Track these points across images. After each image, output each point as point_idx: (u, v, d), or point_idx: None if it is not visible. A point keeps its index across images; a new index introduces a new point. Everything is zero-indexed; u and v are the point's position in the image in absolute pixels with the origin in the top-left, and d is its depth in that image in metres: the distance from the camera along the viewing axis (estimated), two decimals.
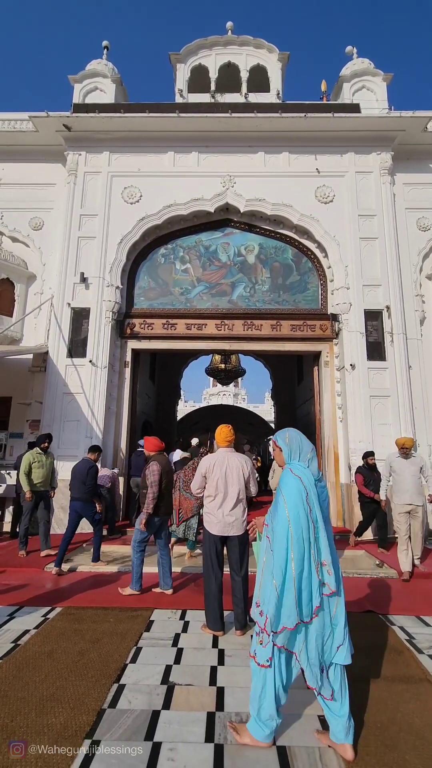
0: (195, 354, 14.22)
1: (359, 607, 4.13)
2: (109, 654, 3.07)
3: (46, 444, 6.03)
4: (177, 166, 8.93)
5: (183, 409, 26.74)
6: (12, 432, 8.47)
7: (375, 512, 6.36)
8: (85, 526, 6.49)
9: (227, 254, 9.02)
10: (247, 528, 3.20)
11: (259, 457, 16.21)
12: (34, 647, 3.17)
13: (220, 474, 3.57)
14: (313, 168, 8.83)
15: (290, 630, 2.06)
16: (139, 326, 8.66)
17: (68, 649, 3.13)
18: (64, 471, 6.76)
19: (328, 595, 2.10)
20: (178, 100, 10.00)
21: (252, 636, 2.23)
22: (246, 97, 9.94)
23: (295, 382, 14.90)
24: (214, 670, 2.88)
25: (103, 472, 6.99)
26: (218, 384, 26.09)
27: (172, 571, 4.65)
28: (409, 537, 5.13)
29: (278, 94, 10.02)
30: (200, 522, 5.20)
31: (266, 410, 32.95)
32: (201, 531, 4.33)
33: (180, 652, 3.15)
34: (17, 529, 7.22)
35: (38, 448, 5.97)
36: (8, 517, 7.85)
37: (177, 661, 3.02)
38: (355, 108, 9.05)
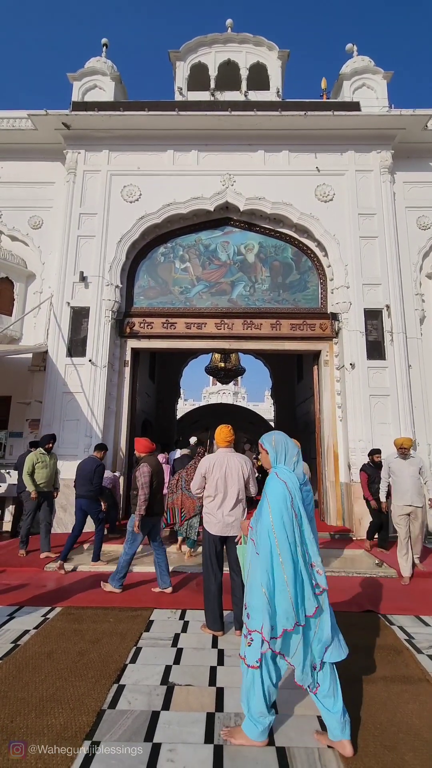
0: (195, 353, 14.21)
1: (358, 606, 4.14)
2: (108, 654, 3.08)
3: (51, 444, 6.03)
4: (176, 165, 8.90)
5: (183, 407, 26.73)
6: (12, 431, 8.47)
7: (381, 513, 6.26)
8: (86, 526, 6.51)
9: (227, 253, 9.00)
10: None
11: (259, 457, 16.22)
12: (34, 647, 3.17)
13: (219, 474, 3.58)
14: (313, 166, 8.81)
15: (290, 631, 2.08)
16: (138, 325, 8.65)
17: (68, 650, 3.14)
18: (64, 470, 6.75)
19: (319, 593, 2.14)
20: (178, 98, 9.96)
21: (242, 637, 2.25)
22: (246, 95, 9.90)
23: (294, 381, 14.90)
24: (213, 671, 2.89)
25: (106, 474, 7.00)
26: (218, 383, 26.08)
27: (174, 570, 4.65)
28: (410, 538, 5.07)
29: (278, 92, 9.98)
30: (201, 521, 5.21)
31: (266, 408, 32.95)
32: (201, 530, 4.34)
33: (180, 652, 3.16)
34: (18, 528, 7.25)
35: (42, 449, 5.97)
36: (8, 516, 7.86)
37: (177, 661, 3.02)
38: (355, 106, 9.02)
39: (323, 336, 8.58)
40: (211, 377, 23.19)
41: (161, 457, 7.21)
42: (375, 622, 3.78)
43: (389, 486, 5.33)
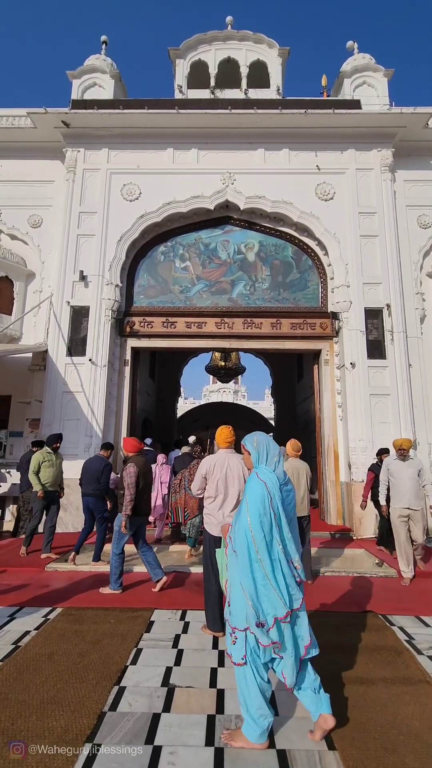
0: (195, 352, 14.20)
1: (358, 607, 4.15)
2: (109, 656, 3.08)
3: (58, 444, 6.06)
4: (176, 163, 8.87)
5: (183, 406, 26.75)
6: (12, 431, 8.47)
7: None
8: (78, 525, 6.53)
9: (227, 252, 8.98)
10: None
11: None
12: (35, 649, 3.18)
13: (220, 475, 3.57)
14: (314, 165, 8.78)
15: (281, 620, 2.12)
16: (138, 324, 8.64)
17: (69, 651, 3.14)
18: (65, 470, 6.72)
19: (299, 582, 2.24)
20: (178, 96, 9.93)
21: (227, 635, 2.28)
22: (246, 93, 9.86)
23: (295, 380, 14.91)
24: (214, 672, 2.89)
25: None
26: (218, 381, 26.08)
27: (175, 570, 4.65)
28: (411, 541, 5.01)
29: (278, 89, 9.95)
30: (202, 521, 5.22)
31: (266, 407, 32.97)
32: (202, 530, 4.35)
33: (180, 653, 3.16)
34: (20, 527, 7.25)
35: (48, 448, 5.97)
36: (8, 516, 7.86)
37: (177, 662, 3.02)
38: (355, 104, 8.99)
39: (323, 335, 8.57)
40: (211, 376, 23.19)
41: (161, 458, 7.18)
42: (375, 623, 3.78)
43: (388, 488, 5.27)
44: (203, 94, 9.91)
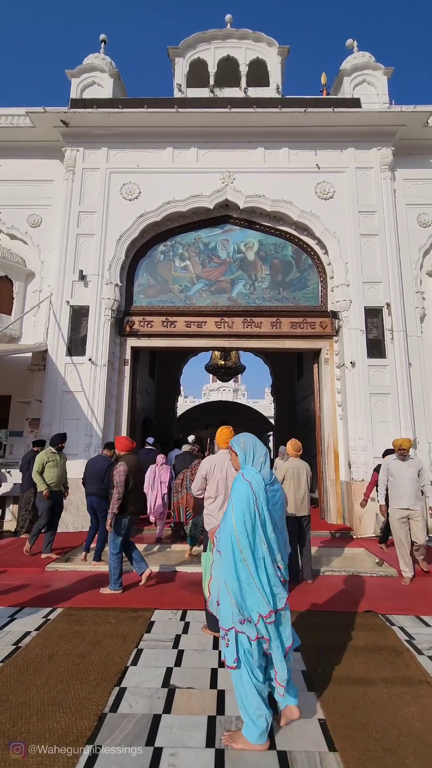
0: (195, 351, 14.19)
1: (358, 606, 4.14)
2: (110, 656, 3.08)
3: (63, 444, 6.09)
4: (176, 162, 8.85)
5: (183, 405, 26.71)
6: (12, 430, 8.46)
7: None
8: (85, 524, 6.55)
9: (227, 251, 8.97)
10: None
11: None
12: (35, 650, 3.18)
13: (220, 476, 3.57)
14: (313, 164, 8.76)
15: (265, 618, 2.14)
16: (138, 324, 8.63)
17: (69, 652, 3.14)
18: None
19: (283, 581, 2.25)
20: (177, 94, 9.90)
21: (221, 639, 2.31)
22: (245, 92, 9.84)
23: (295, 378, 14.90)
24: (214, 673, 2.89)
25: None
26: (218, 380, 26.09)
27: (175, 570, 4.65)
28: (412, 542, 4.97)
29: (278, 88, 9.92)
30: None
31: (266, 406, 32.97)
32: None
33: (181, 654, 3.16)
34: (18, 526, 7.26)
35: (52, 448, 5.97)
36: (9, 516, 7.87)
37: (178, 663, 3.03)
38: (355, 103, 8.97)
39: (323, 334, 8.56)
40: (211, 375, 23.18)
41: (160, 458, 7.19)
42: (375, 623, 3.78)
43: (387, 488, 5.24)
44: (203, 92, 9.89)
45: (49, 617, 3.82)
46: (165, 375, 15.55)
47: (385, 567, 5.47)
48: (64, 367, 8.04)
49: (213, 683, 2.76)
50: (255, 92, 9.86)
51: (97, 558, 5.49)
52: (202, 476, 3.64)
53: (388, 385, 7.92)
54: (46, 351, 8.11)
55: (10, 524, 7.84)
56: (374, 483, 6.34)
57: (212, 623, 3.48)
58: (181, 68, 10.06)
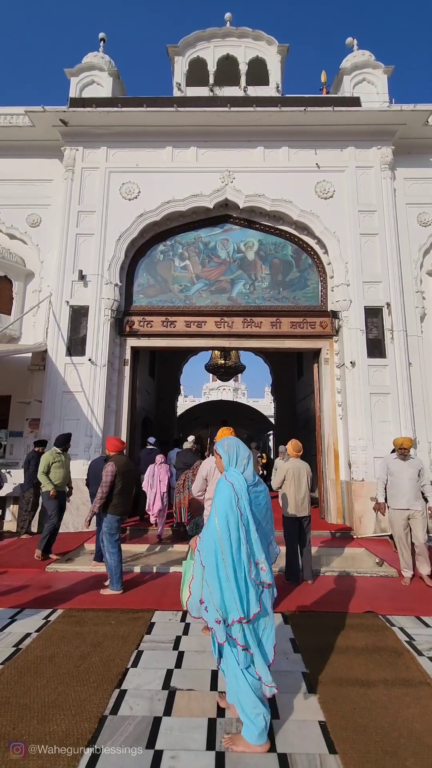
0: (195, 350, 14.18)
1: (358, 607, 4.15)
2: (110, 658, 3.09)
3: (69, 445, 6.10)
4: (175, 162, 8.83)
5: (183, 404, 26.72)
6: (12, 431, 8.46)
7: None
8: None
9: (226, 251, 8.95)
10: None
11: (264, 454, 16.31)
12: (36, 651, 3.18)
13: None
14: (313, 163, 8.74)
15: (237, 622, 2.16)
16: (138, 324, 8.62)
17: (70, 653, 3.15)
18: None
19: (267, 587, 2.25)
20: (176, 93, 9.88)
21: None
22: (245, 91, 9.81)
23: (295, 378, 14.89)
24: (215, 675, 2.88)
25: None
26: (218, 379, 26.09)
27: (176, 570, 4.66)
28: (412, 543, 4.93)
29: (277, 87, 9.90)
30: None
31: (266, 405, 32.98)
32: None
33: (181, 655, 3.17)
34: (19, 527, 7.27)
35: (57, 448, 5.97)
36: (9, 516, 7.87)
37: (178, 664, 3.03)
38: (355, 101, 8.94)
39: (323, 334, 8.55)
40: (211, 374, 23.19)
41: (159, 458, 7.26)
42: (375, 623, 3.79)
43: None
44: (202, 91, 9.86)
45: (49, 618, 3.83)
46: (165, 374, 15.55)
47: (385, 567, 5.47)
48: (64, 367, 8.03)
49: (213, 685, 2.77)
50: (255, 91, 9.84)
51: (98, 558, 5.49)
52: (203, 477, 3.65)
53: (388, 385, 7.91)
54: (45, 351, 8.10)
55: (10, 524, 7.85)
56: None
57: None
58: (180, 67, 10.04)
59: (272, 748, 2.18)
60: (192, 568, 2.37)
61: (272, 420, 19.40)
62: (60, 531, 6.48)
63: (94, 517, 4.85)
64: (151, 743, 2.20)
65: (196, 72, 10.09)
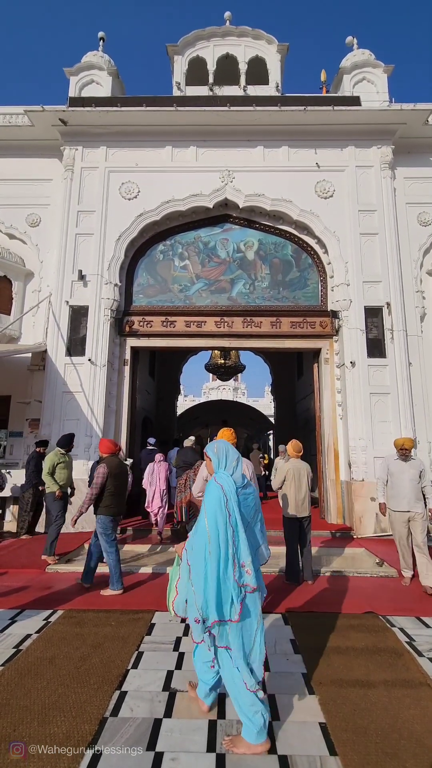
0: (194, 350, 14.18)
1: (358, 608, 4.15)
2: (110, 659, 3.09)
3: (72, 446, 6.12)
4: (175, 161, 8.81)
5: (183, 403, 26.73)
6: (12, 431, 8.46)
7: None
8: (86, 525, 6.55)
9: (226, 250, 8.94)
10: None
11: (266, 455, 16.33)
12: (36, 653, 3.18)
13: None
14: (313, 162, 8.73)
15: (217, 623, 2.19)
16: (138, 324, 8.61)
17: (70, 655, 3.15)
18: None
19: (250, 592, 2.23)
20: (176, 93, 9.86)
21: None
22: (245, 90, 9.79)
23: (295, 377, 14.89)
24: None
25: None
26: (218, 379, 26.09)
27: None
28: (412, 545, 4.86)
29: (277, 86, 9.88)
30: None
31: (266, 404, 32.99)
32: None
33: (181, 656, 3.17)
34: (19, 527, 7.27)
35: (61, 449, 5.97)
36: (9, 516, 7.87)
37: (178, 666, 3.03)
38: (355, 101, 8.93)
39: (323, 334, 8.55)
40: (211, 374, 23.19)
41: (158, 456, 7.42)
42: (375, 624, 3.78)
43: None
44: (202, 91, 9.84)
45: (49, 619, 3.83)
46: (165, 374, 15.55)
47: (385, 567, 5.47)
48: (64, 367, 8.03)
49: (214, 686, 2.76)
50: (254, 90, 9.82)
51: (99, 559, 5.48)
52: (203, 479, 3.64)
53: (388, 385, 7.91)
54: (45, 351, 8.09)
55: (10, 525, 7.84)
56: None
57: None
58: (180, 66, 10.02)
59: (273, 750, 2.18)
60: (178, 573, 2.38)
61: (272, 419, 19.41)
62: (61, 531, 6.49)
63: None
64: (151, 745, 2.20)
65: (196, 71, 10.07)
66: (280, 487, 5.11)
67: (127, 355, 8.63)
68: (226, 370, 19.03)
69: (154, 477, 7.19)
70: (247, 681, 2.20)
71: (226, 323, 8.61)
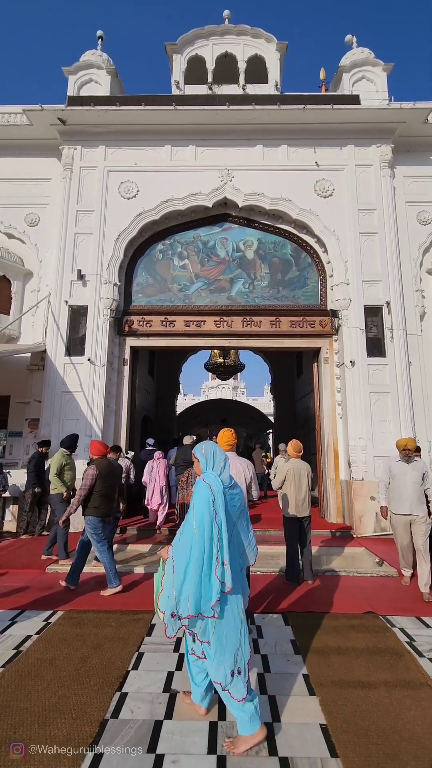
0: (194, 350, 14.16)
1: (359, 607, 4.15)
2: (111, 660, 3.08)
3: (76, 446, 6.15)
4: (174, 160, 8.79)
5: (182, 403, 26.72)
6: (11, 431, 8.45)
7: None
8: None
9: (226, 250, 8.92)
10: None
11: (268, 454, 16.32)
12: (36, 654, 3.18)
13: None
14: (313, 161, 8.71)
15: (193, 618, 2.22)
16: (137, 323, 8.60)
17: (70, 656, 3.14)
18: None
19: (227, 592, 2.23)
20: (175, 91, 9.83)
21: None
22: (244, 89, 9.76)
23: (294, 376, 14.87)
24: None
25: None
26: (217, 378, 26.09)
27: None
28: (413, 548, 4.77)
29: (276, 85, 9.86)
30: None
31: (265, 403, 32.99)
32: None
33: (182, 657, 3.16)
34: (19, 527, 7.26)
35: (66, 450, 5.95)
36: (9, 516, 7.86)
37: (179, 667, 3.03)
38: (354, 99, 8.90)
39: (323, 333, 8.54)
40: (210, 373, 23.18)
41: (158, 454, 7.60)
42: (375, 624, 3.79)
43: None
44: (201, 89, 9.81)
45: (49, 620, 3.82)
46: (164, 373, 15.53)
47: (385, 567, 5.47)
48: (63, 367, 8.02)
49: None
50: (253, 89, 9.79)
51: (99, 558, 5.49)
52: None
53: (387, 384, 7.91)
54: (44, 351, 8.08)
55: (10, 525, 7.83)
56: None
57: None
58: (178, 65, 9.98)
59: (273, 752, 2.17)
60: (162, 578, 2.41)
61: (272, 418, 19.40)
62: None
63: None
64: (152, 747, 2.20)
65: (195, 70, 10.04)
66: (280, 487, 5.10)
67: (127, 355, 8.61)
68: (225, 369, 19.02)
69: (153, 474, 7.33)
70: (233, 671, 2.24)
71: (225, 322, 8.60)
